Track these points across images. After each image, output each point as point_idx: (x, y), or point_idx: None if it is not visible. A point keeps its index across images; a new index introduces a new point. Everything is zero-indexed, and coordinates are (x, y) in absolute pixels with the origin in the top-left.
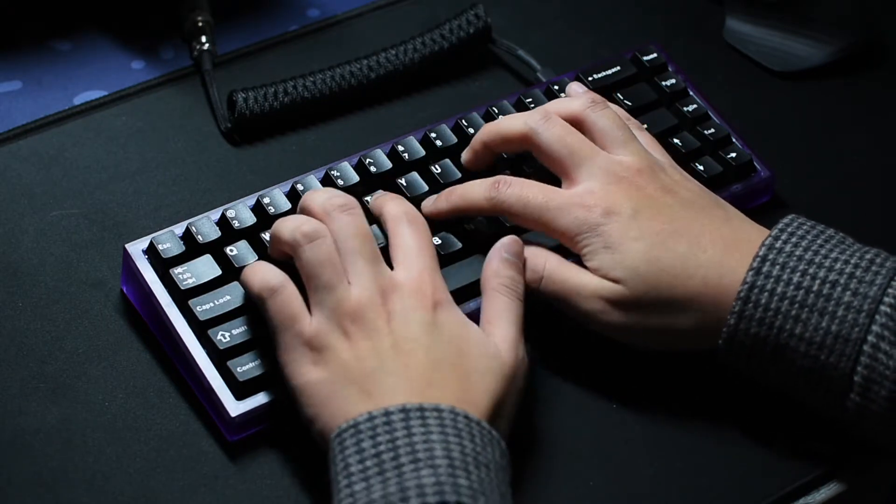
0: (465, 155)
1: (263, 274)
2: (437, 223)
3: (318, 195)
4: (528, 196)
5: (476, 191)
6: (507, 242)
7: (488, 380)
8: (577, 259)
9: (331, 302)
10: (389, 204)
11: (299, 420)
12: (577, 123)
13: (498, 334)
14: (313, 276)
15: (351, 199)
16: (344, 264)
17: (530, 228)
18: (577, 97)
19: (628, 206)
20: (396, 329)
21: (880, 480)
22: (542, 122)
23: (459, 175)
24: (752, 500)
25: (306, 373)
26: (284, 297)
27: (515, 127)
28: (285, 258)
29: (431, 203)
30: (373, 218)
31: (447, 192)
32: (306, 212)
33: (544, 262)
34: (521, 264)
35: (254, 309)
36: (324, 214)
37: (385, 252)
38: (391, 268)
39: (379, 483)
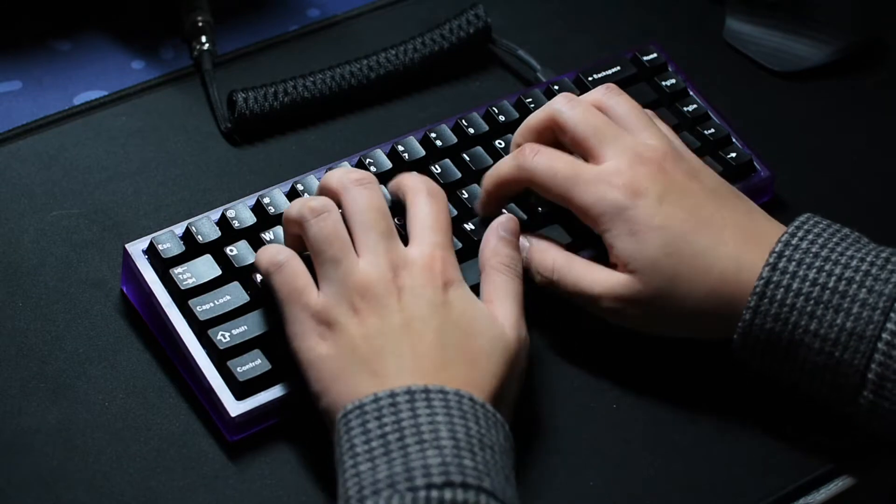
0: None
1: (271, 251)
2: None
3: (335, 171)
4: (558, 166)
5: (505, 164)
6: (503, 221)
7: (495, 362)
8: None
9: (337, 275)
10: (410, 177)
11: (298, 420)
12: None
13: (500, 313)
14: (319, 250)
15: (368, 175)
16: (356, 238)
17: (553, 200)
18: (593, 90)
19: (654, 190)
20: (406, 307)
21: (881, 480)
22: (566, 103)
23: (459, 175)
24: (752, 500)
25: (314, 347)
26: (290, 271)
27: (541, 115)
28: (297, 242)
29: (477, 202)
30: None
31: (483, 181)
32: (324, 188)
33: (552, 261)
34: (517, 242)
35: (253, 308)
36: (340, 188)
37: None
38: (406, 244)
39: (384, 463)
